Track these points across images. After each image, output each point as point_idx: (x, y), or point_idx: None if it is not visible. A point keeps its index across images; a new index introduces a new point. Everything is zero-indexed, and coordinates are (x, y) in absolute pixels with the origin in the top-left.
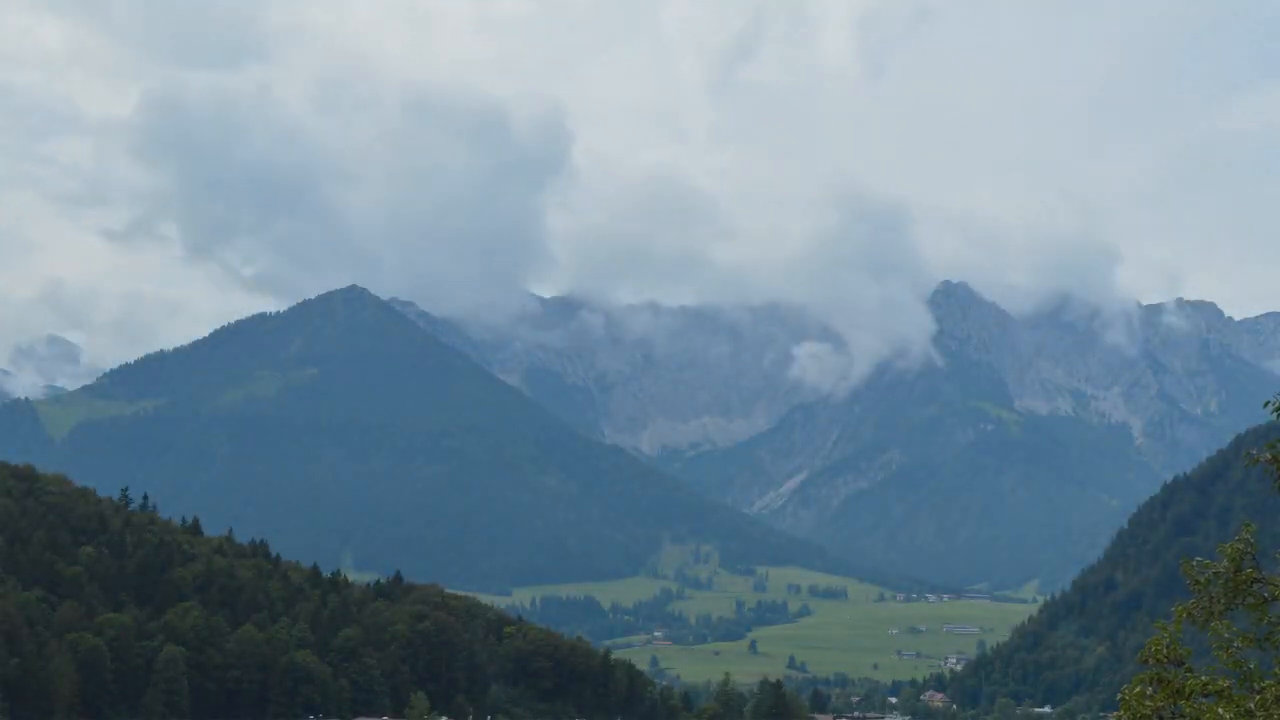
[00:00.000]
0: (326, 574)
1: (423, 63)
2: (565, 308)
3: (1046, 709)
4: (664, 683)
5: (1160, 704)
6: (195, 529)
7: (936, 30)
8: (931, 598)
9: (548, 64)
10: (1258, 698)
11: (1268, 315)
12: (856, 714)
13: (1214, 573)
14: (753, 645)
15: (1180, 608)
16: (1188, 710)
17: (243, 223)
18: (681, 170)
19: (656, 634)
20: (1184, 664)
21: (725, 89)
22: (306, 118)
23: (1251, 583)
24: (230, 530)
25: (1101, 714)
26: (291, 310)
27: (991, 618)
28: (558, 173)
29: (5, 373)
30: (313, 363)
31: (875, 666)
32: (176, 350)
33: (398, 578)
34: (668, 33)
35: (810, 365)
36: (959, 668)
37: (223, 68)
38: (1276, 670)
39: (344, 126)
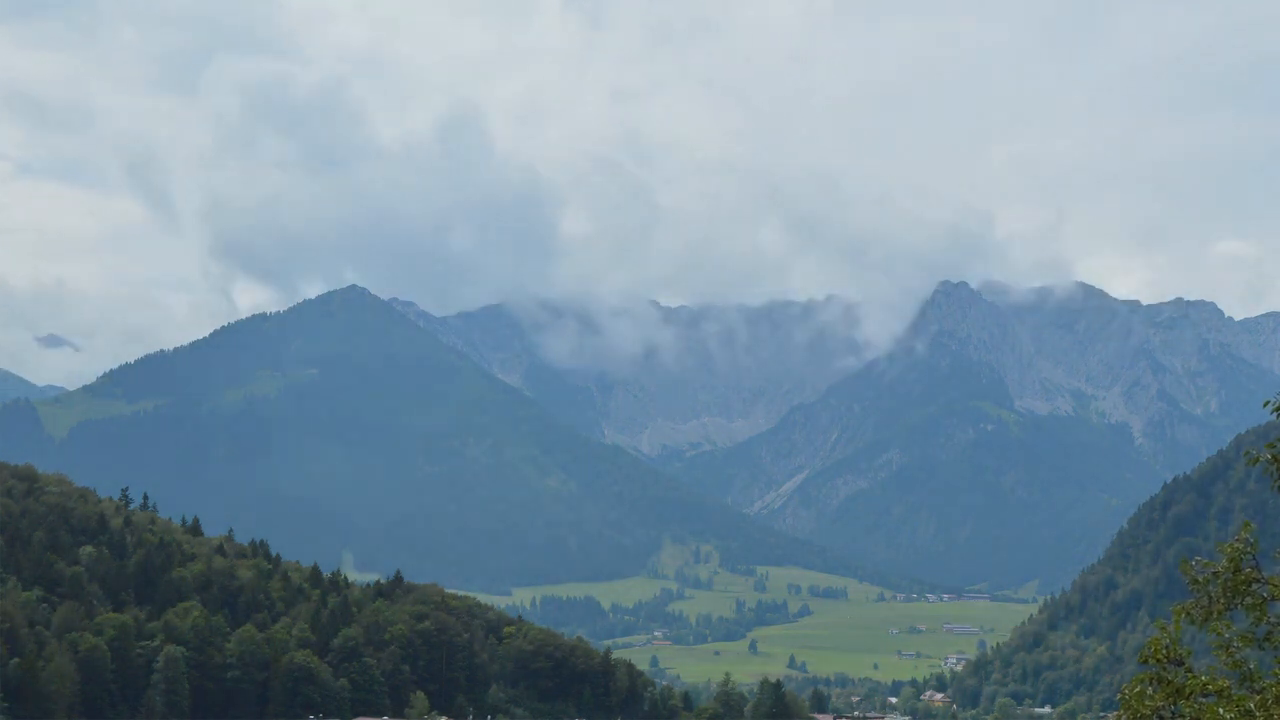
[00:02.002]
0: (326, 574)
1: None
2: (566, 307)
3: (1046, 709)
4: (664, 683)
5: (1160, 703)
6: (195, 529)
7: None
8: (931, 598)
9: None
10: (1258, 697)
11: (1268, 315)
12: (856, 714)
13: (1213, 572)
14: (753, 645)
15: (1179, 607)
16: (1187, 710)
17: (244, 222)
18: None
19: (656, 634)
20: (1184, 664)
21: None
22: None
23: (1250, 582)
24: (230, 530)
25: (1101, 714)
26: (291, 310)
27: (991, 618)
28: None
29: (5, 372)
30: (313, 363)
31: (875, 666)
32: (176, 350)
33: (398, 578)
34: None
35: (810, 365)
36: (959, 668)
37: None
38: (1276, 670)
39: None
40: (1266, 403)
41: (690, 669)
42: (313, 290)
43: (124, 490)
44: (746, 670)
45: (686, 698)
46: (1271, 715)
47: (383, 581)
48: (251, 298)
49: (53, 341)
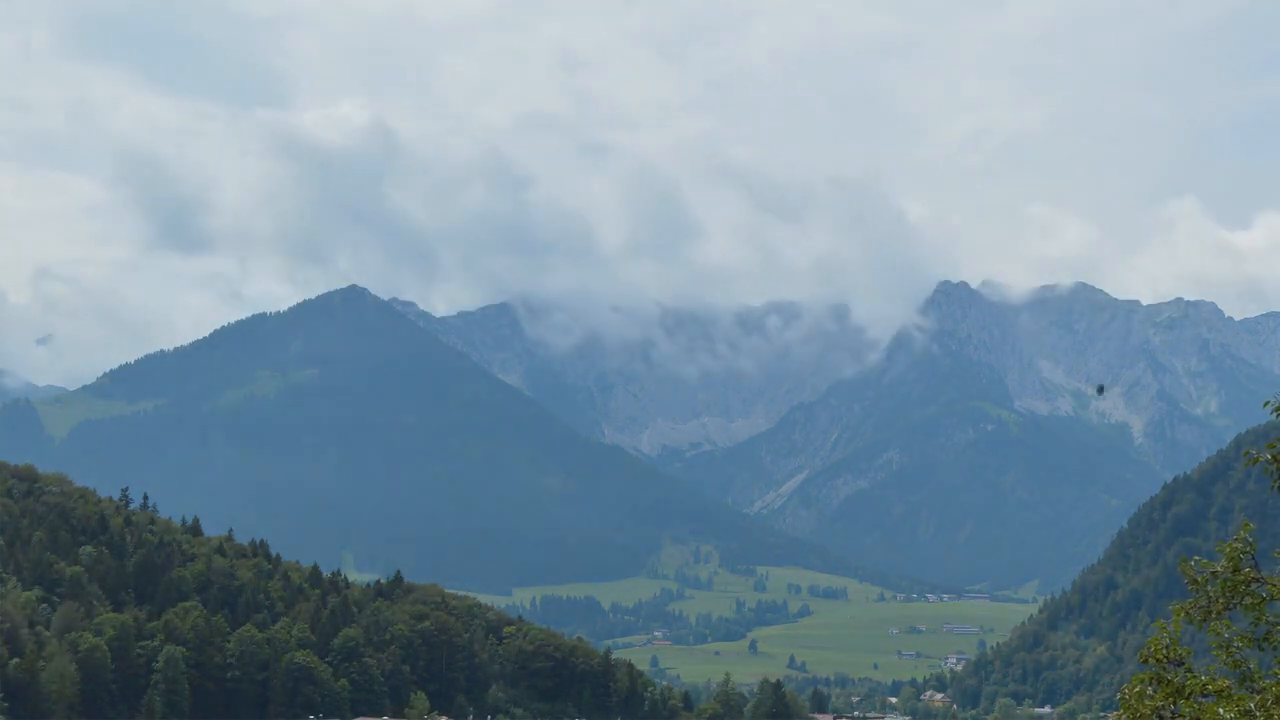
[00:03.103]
0: (326, 574)
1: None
2: (566, 307)
3: (1046, 709)
4: (664, 683)
5: (1160, 703)
6: (195, 529)
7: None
8: (931, 598)
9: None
10: (1258, 697)
11: (1268, 315)
12: (856, 714)
13: (1212, 572)
14: (753, 645)
15: (1178, 606)
16: (1187, 710)
17: (245, 221)
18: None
19: (656, 634)
20: (1184, 664)
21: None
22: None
23: (1250, 582)
24: (230, 530)
25: (1101, 714)
26: (291, 310)
27: (991, 618)
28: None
29: (5, 372)
30: (313, 363)
31: (875, 666)
32: (176, 350)
33: (398, 578)
34: None
35: (810, 365)
36: (959, 668)
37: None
38: (1276, 670)
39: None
40: (1267, 403)
41: (690, 669)
42: (313, 290)
43: (124, 490)
44: (746, 670)
45: (686, 698)
46: (1271, 715)
47: (383, 581)
48: (251, 298)
49: (53, 341)
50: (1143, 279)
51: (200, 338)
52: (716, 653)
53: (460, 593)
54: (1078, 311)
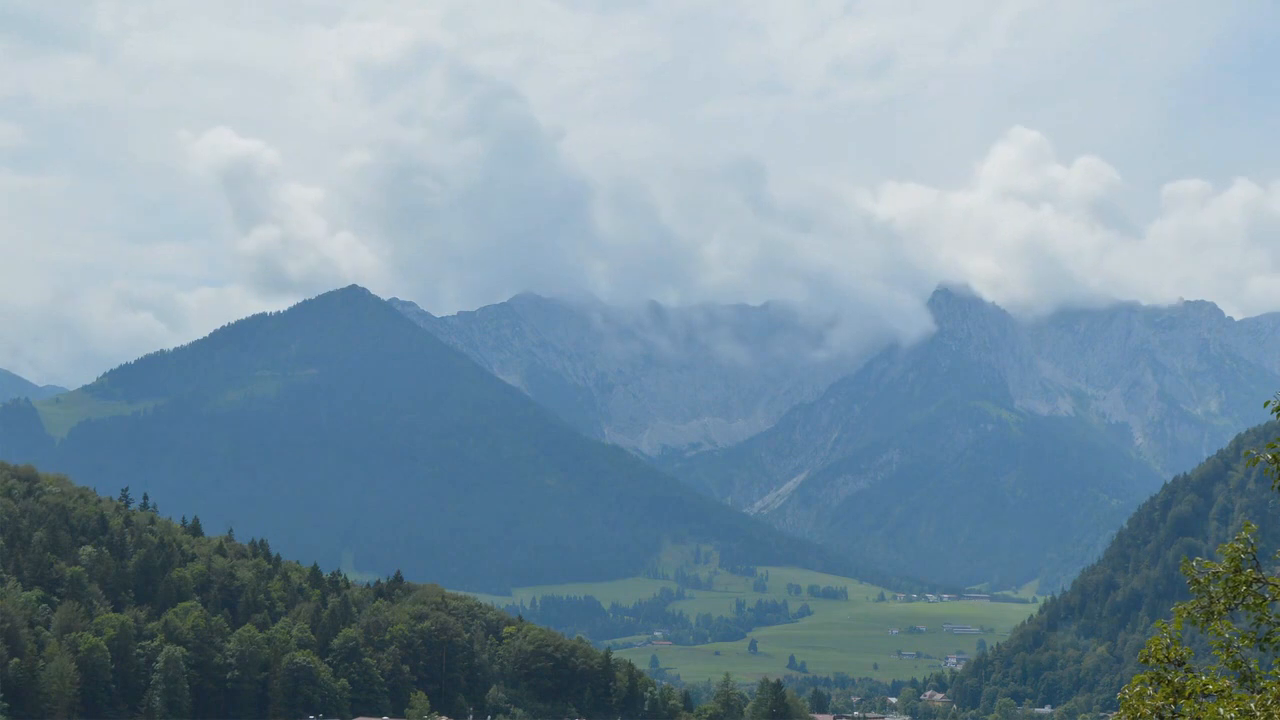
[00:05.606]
0: (326, 574)
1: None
2: (566, 308)
3: (1046, 709)
4: (664, 683)
5: (1160, 704)
6: (195, 529)
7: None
8: (931, 598)
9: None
10: (1258, 697)
11: (1268, 315)
12: (856, 714)
13: (1214, 573)
14: (753, 645)
15: (1180, 607)
16: (1188, 710)
17: (242, 224)
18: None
19: (656, 634)
20: (1184, 664)
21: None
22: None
23: (1251, 583)
24: (230, 530)
25: (1101, 714)
26: (291, 310)
27: (991, 618)
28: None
29: (5, 372)
30: (313, 363)
31: (875, 666)
32: (176, 350)
33: (398, 578)
34: None
35: (810, 365)
36: (959, 668)
37: None
38: (1276, 670)
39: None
40: (1267, 403)
41: (690, 669)
42: (313, 290)
43: (124, 490)
44: (746, 670)
45: (686, 698)
46: (1272, 715)
47: (383, 581)
48: (252, 298)
49: (53, 341)
50: (1142, 278)
51: (200, 338)
52: (716, 653)
53: (460, 593)
54: (1078, 312)
